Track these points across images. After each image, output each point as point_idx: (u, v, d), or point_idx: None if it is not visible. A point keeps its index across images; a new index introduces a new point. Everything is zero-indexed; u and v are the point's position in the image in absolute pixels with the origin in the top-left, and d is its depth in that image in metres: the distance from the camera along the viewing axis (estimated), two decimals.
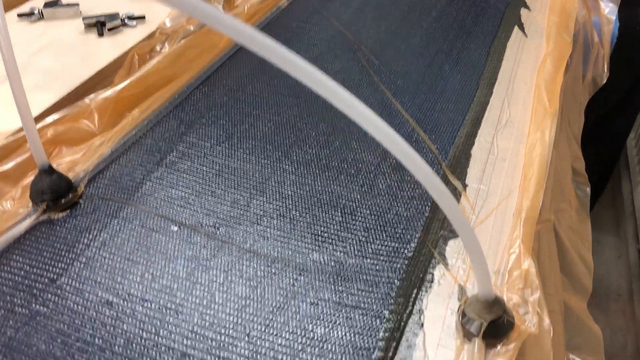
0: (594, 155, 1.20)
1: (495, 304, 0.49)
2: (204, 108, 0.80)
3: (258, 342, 0.51)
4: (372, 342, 0.51)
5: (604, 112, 1.36)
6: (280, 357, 0.50)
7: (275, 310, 0.54)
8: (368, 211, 0.65)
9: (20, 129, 0.74)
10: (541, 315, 0.52)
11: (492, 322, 0.49)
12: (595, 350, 0.67)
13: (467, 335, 0.50)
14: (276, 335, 0.52)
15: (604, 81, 1.13)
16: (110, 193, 0.66)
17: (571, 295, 0.72)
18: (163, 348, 0.51)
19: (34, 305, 0.54)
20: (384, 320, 0.53)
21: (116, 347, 0.51)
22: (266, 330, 0.53)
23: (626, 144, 1.78)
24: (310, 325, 0.53)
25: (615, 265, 1.82)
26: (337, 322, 0.53)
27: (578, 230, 0.82)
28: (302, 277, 0.57)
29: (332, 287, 0.56)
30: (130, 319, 0.53)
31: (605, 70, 1.13)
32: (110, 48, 1.00)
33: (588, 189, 0.92)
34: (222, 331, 0.52)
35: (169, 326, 0.53)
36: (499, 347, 0.49)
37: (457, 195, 0.66)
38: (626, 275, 1.84)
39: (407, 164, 0.37)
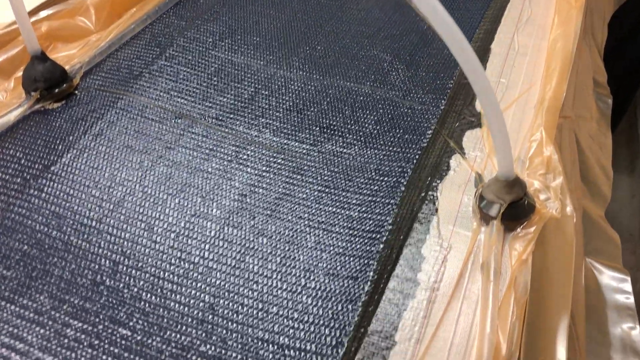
0: (615, 75, 1.15)
1: (515, 184, 0.46)
2: (205, 5, 0.76)
3: (262, 227, 0.49)
4: (382, 227, 0.48)
5: (627, 30, 1.30)
6: (285, 239, 0.48)
7: (281, 196, 0.51)
8: (380, 105, 0.61)
9: (13, 22, 0.70)
10: (563, 201, 0.49)
11: (511, 204, 0.46)
12: (613, 255, 0.64)
13: (485, 219, 0.47)
14: (281, 219, 0.49)
15: None
16: (108, 85, 0.63)
17: (589, 202, 0.69)
18: (161, 230, 0.48)
19: (28, 190, 0.52)
20: (395, 206, 0.50)
21: (112, 228, 0.49)
22: (272, 215, 0.50)
23: None
24: (317, 211, 0.50)
25: (629, 205, 1.78)
26: (345, 207, 0.50)
27: (598, 139, 0.78)
28: (308, 167, 0.54)
29: (342, 176, 0.53)
30: (127, 204, 0.51)
31: None
32: None
33: (610, 101, 0.87)
34: (226, 216, 0.49)
35: (169, 211, 0.50)
36: (518, 229, 0.46)
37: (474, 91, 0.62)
38: (639, 215, 1.80)
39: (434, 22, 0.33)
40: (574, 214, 0.48)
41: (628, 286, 0.55)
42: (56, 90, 0.60)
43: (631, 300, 0.53)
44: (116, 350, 0.41)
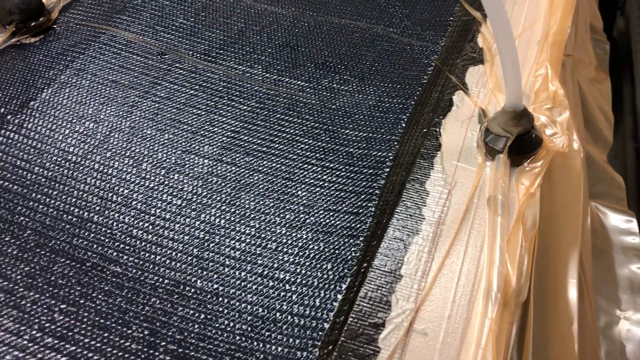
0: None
1: (523, 116, 0.44)
2: None
3: (258, 163, 0.46)
4: (383, 163, 0.46)
5: None
6: (282, 175, 0.45)
7: (276, 133, 0.49)
8: (377, 42, 0.58)
9: None
10: (570, 136, 0.47)
11: (518, 137, 0.44)
12: (618, 197, 0.63)
13: (491, 153, 0.45)
14: (277, 156, 0.47)
15: None
16: (89, 19, 0.59)
17: (592, 147, 0.68)
18: (150, 166, 0.46)
19: (6, 125, 0.49)
20: (396, 142, 0.48)
21: (99, 165, 0.46)
22: (267, 152, 0.47)
23: (630, 41, 1.69)
24: (315, 147, 0.48)
25: (612, 166, 1.79)
26: (344, 144, 0.48)
27: (598, 84, 0.77)
28: (304, 104, 0.52)
29: (339, 112, 0.51)
30: (114, 140, 0.48)
31: None
32: None
33: (607, 47, 0.86)
34: (218, 152, 0.47)
35: (158, 147, 0.47)
36: (525, 164, 0.45)
37: (476, 25, 0.59)
38: (622, 173, 1.81)
39: None
40: (581, 150, 0.47)
41: (634, 227, 0.54)
42: (33, 23, 0.56)
43: (637, 240, 0.53)
44: (107, 288, 0.38)
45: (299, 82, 0.54)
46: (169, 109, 0.50)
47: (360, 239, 0.41)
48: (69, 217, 0.42)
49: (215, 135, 0.48)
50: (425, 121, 0.50)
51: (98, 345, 0.36)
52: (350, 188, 0.45)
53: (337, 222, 0.42)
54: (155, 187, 0.44)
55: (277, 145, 0.48)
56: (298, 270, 0.39)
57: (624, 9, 1.55)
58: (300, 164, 0.47)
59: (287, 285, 0.39)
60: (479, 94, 0.52)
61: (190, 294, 0.38)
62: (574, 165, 0.46)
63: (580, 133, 0.61)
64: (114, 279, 0.39)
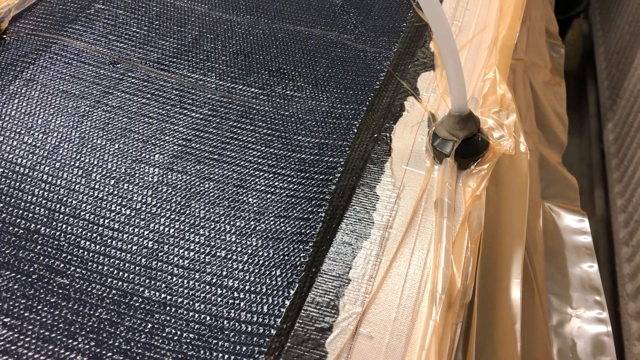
0: None
1: (469, 119, 0.45)
2: None
3: (209, 171, 0.46)
4: (335, 169, 0.47)
5: None
6: (233, 183, 0.46)
7: (229, 140, 0.49)
8: (331, 48, 0.59)
9: None
10: (517, 139, 0.48)
11: (465, 141, 0.45)
12: (572, 198, 0.64)
13: (438, 157, 0.46)
14: (229, 163, 0.47)
15: None
16: (40, 29, 0.59)
17: (547, 148, 0.69)
18: (99, 177, 0.46)
19: None
20: (348, 148, 0.48)
21: (47, 176, 0.45)
22: (219, 160, 0.47)
23: (593, 45, 1.73)
24: (267, 154, 0.48)
25: (579, 167, 1.81)
26: (296, 150, 0.48)
27: (552, 87, 0.78)
28: (257, 111, 0.52)
29: (292, 119, 0.51)
30: (63, 150, 0.47)
31: None
32: None
33: (562, 50, 0.88)
34: (169, 161, 0.47)
35: (108, 156, 0.47)
36: (472, 167, 0.45)
37: (429, 31, 0.60)
38: (588, 175, 1.84)
39: None
40: (528, 152, 0.48)
41: (586, 226, 0.55)
42: None
43: (589, 240, 0.54)
44: (53, 300, 0.38)
45: (252, 89, 0.54)
46: (120, 118, 0.50)
47: (310, 244, 0.41)
48: (15, 229, 0.42)
49: (166, 144, 0.48)
50: (377, 126, 0.50)
51: (42, 358, 0.35)
52: (302, 194, 0.45)
53: (288, 229, 0.42)
54: (105, 197, 0.44)
55: (229, 153, 0.48)
56: (247, 278, 0.39)
57: (587, 13, 1.59)
58: (252, 171, 0.47)
59: (235, 293, 0.39)
60: (429, 99, 0.52)
61: (137, 304, 0.38)
62: (520, 167, 0.47)
63: (533, 136, 0.63)
64: (60, 291, 0.39)
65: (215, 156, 0.48)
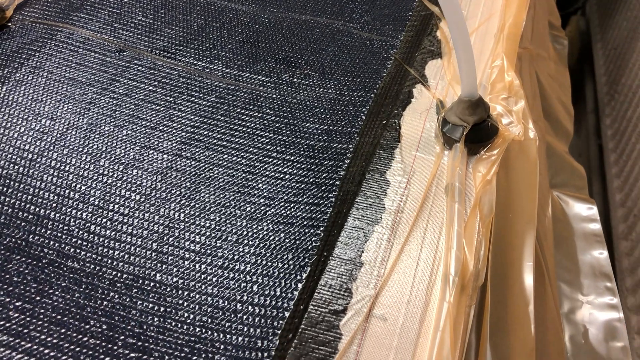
0: None
1: (479, 105, 0.45)
2: None
3: (218, 157, 0.46)
4: (344, 155, 0.46)
5: None
6: (242, 169, 0.45)
7: (237, 127, 0.49)
8: (338, 37, 0.59)
9: None
10: (526, 125, 0.48)
11: (474, 126, 0.45)
12: (579, 187, 0.64)
13: (448, 143, 0.46)
14: (238, 150, 0.47)
15: None
16: (45, 17, 0.58)
17: (553, 138, 0.69)
18: (108, 163, 0.45)
19: None
20: (356, 134, 0.48)
21: (55, 162, 0.45)
22: (227, 146, 0.47)
23: (591, 41, 1.73)
24: (276, 141, 0.48)
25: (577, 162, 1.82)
26: (305, 137, 0.48)
27: (557, 78, 0.78)
28: (265, 99, 0.52)
29: (300, 106, 0.51)
30: (71, 137, 0.47)
31: None
32: None
33: (565, 42, 0.88)
34: (178, 147, 0.47)
35: (116, 143, 0.47)
36: (482, 152, 0.45)
37: (435, 19, 0.60)
38: (587, 171, 1.85)
39: None
40: (537, 138, 0.48)
41: (595, 214, 0.55)
42: None
43: (598, 227, 0.54)
44: (64, 284, 0.38)
45: (259, 77, 0.54)
46: (127, 105, 0.50)
47: (321, 228, 0.41)
48: (25, 214, 0.42)
49: (174, 131, 0.48)
50: (385, 113, 0.50)
51: (55, 341, 0.35)
52: (311, 180, 0.45)
53: (298, 213, 0.42)
54: (114, 183, 0.44)
55: (237, 140, 0.48)
56: (259, 261, 0.39)
57: (584, 10, 1.59)
58: (261, 157, 0.47)
59: (247, 277, 0.38)
60: (437, 86, 0.52)
61: (149, 288, 0.38)
62: (530, 152, 0.47)
63: (540, 124, 0.63)
64: (71, 275, 0.38)
65: (224, 143, 0.48)
